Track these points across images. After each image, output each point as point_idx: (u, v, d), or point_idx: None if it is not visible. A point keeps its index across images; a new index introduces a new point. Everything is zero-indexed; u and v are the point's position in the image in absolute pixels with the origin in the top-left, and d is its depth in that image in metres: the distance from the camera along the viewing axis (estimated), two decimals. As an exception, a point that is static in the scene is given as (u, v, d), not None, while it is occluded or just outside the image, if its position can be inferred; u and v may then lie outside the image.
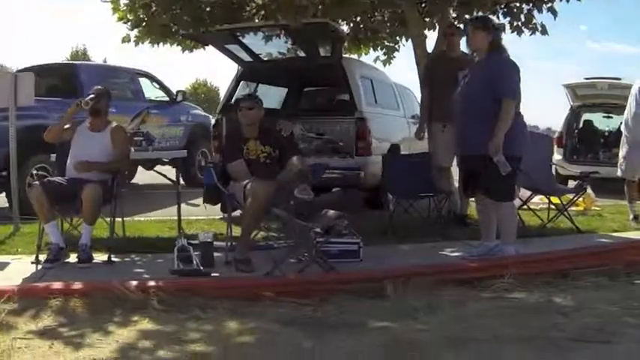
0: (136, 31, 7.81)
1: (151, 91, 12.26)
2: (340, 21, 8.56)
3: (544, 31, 7.37)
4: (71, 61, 10.69)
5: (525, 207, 6.74)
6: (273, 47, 8.05)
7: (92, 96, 5.60)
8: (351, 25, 8.72)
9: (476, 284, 4.19)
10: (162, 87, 12.37)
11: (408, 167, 6.52)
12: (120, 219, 5.95)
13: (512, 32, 7.34)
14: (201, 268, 4.90)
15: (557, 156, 11.66)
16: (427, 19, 7.82)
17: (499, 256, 4.91)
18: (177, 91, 12.40)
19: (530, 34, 7.39)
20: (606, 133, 12.74)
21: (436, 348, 3.13)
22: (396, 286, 3.91)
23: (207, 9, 7.26)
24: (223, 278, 4.72)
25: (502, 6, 7.32)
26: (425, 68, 7.12)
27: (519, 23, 7.33)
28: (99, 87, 5.93)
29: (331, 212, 4.58)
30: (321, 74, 8.10)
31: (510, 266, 4.24)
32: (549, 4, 7.28)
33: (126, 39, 7.91)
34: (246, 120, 5.49)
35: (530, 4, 7.34)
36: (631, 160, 7.17)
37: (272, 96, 9.51)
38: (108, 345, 3.27)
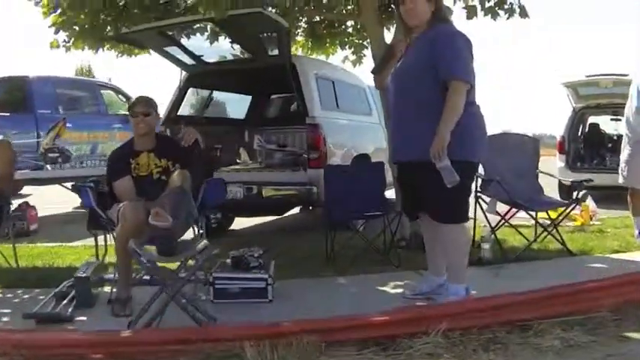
0: (64, 36, 6.93)
1: (116, 105, 11.61)
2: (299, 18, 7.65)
3: (523, 13, 6.29)
4: (23, 75, 9.89)
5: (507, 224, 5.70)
6: (217, 48, 7.11)
7: None
8: (305, 19, 7.73)
9: (387, 345, 2.99)
10: (129, 100, 11.69)
11: (354, 181, 5.33)
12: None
13: (486, 15, 6.25)
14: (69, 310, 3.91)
15: (558, 163, 10.61)
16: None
17: (430, 304, 3.77)
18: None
19: (508, 18, 6.31)
20: (615, 137, 11.51)
21: None
22: (262, 349, 2.75)
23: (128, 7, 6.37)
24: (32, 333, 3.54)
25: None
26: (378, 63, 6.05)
27: (492, 3, 6.23)
28: None
29: (201, 244, 3.54)
30: (271, 76, 7.14)
31: (435, 319, 2.99)
32: None
33: (54, 44, 7.02)
34: (140, 129, 4.50)
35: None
36: (634, 165, 5.88)
37: (221, 103, 8.63)
38: None
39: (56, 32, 6.81)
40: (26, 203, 7.55)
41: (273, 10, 6.63)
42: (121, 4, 6.45)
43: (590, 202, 7.55)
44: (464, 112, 3.53)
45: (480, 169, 5.77)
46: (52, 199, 9.98)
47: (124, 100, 11.87)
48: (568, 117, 10.88)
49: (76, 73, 41.81)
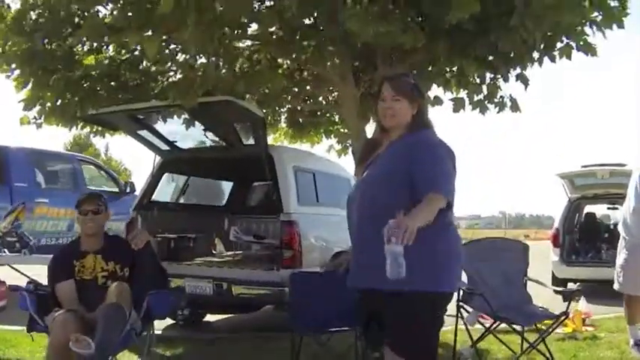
0: (35, 112, 6.72)
1: (96, 181, 11.30)
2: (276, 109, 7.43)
3: (515, 107, 5.99)
4: (3, 145, 9.62)
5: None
6: (192, 134, 6.84)
7: None
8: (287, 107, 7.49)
9: None
10: (111, 177, 11.49)
11: (322, 287, 4.63)
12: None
13: (474, 109, 5.96)
14: None
15: (553, 257, 10.25)
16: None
17: None
18: (126, 182, 11.51)
19: (498, 112, 6.01)
20: (611, 226, 11.17)
21: None
22: None
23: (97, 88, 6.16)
24: None
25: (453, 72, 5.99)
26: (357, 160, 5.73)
27: (482, 97, 5.94)
28: None
29: None
30: (248, 166, 6.86)
31: None
32: (518, 71, 5.88)
33: (25, 120, 6.80)
34: (88, 228, 4.23)
35: (493, 73, 5.91)
36: (631, 270, 5.50)
37: (199, 190, 8.32)
38: None
39: (25, 109, 6.61)
40: (-5, 278, 7.15)
41: (254, 98, 6.42)
42: (85, 85, 6.22)
43: (582, 303, 7.14)
44: (441, 235, 3.05)
45: (463, 277, 5.41)
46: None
47: (105, 175, 11.61)
48: (563, 207, 10.57)
49: (74, 140, 41.99)
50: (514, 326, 5.08)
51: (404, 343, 3.15)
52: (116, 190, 11.24)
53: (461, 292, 5.10)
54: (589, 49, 5.43)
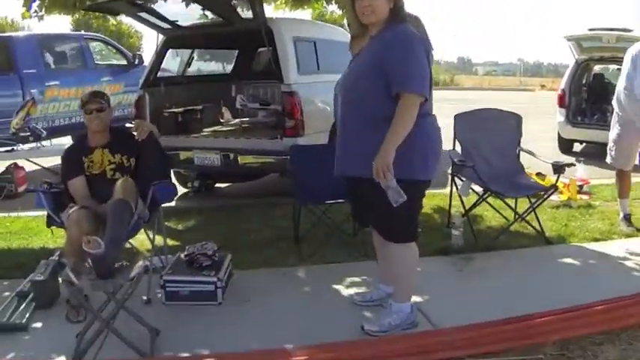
0: (35, 5, 6.78)
1: (105, 57, 11.34)
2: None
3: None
4: (5, 34, 9.63)
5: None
6: (193, 12, 6.77)
7: None
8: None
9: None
10: (119, 51, 11.51)
11: (321, 160, 4.53)
12: None
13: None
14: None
15: (559, 117, 10.31)
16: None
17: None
18: (134, 54, 11.50)
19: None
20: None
21: None
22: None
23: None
24: None
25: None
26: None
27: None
28: None
29: (135, 271, 3.35)
30: (249, 39, 6.84)
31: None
32: None
33: (26, 15, 6.82)
34: (94, 126, 4.33)
35: None
36: (623, 145, 5.59)
37: (203, 62, 8.35)
38: None
39: (25, 4, 6.60)
40: (15, 164, 7.41)
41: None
42: None
43: (580, 169, 7.28)
44: (415, 125, 3.15)
45: (457, 147, 5.56)
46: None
47: (114, 50, 11.60)
48: (569, 69, 10.50)
49: (78, 18, 40.91)
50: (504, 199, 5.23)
51: (382, 224, 3.44)
52: (124, 62, 11.32)
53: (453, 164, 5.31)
54: None
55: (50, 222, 4.21)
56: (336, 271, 4.63)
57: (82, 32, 10.97)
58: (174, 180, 5.33)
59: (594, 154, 8.80)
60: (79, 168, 4.26)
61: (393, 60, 3.17)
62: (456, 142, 5.54)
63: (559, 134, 10.48)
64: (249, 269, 4.67)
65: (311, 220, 5.28)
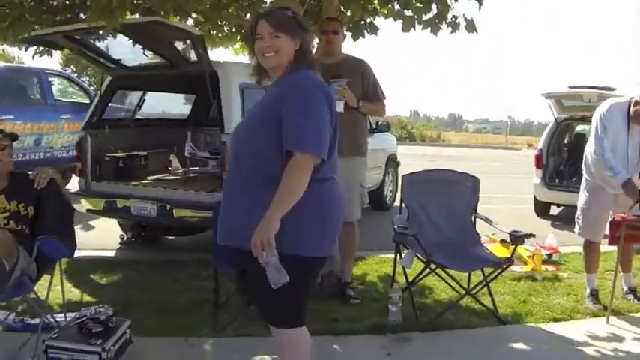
0: None
1: (66, 93, 10.98)
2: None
3: (471, 27, 5.49)
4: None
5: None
6: (137, 53, 6.39)
7: None
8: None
9: None
10: (82, 88, 11.14)
11: None
12: None
13: (424, 29, 5.48)
14: None
15: (535, 179, 9.85)
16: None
17: None
18: (97, 92, 11.07)
19: (452, 32, 5.52)
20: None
21: None
22: None
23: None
24: None
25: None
26: None
27: (431, 16, 5.47)
28: None
29: None
30: (196, 83, 6.45)
31: None
32: None
33: None
34: None
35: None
36: (591, 214, 5.13)
37: (154, 105, 7.96)
38: None
39: None
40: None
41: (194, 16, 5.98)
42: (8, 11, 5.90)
43: (551, 237, 6.83)
44: (308, 191, 2.61)
45: (404, 210, 5.06)
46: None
47: (77, 87, 11.23)
48: (548, 128, 10.09)
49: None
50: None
51: (262, 305, 2.88)
52: (87, 101, 10.87)
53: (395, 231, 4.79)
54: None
55: None
56: (248, 346, 4.07)
57: (44, 67, 10.44)
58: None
59: (572, 218, 8.29)
60: None
61: (288, 110, 2.65)
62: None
63: (535, 197, 10.02)
64: (155, 336, 4.16)
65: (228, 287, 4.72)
